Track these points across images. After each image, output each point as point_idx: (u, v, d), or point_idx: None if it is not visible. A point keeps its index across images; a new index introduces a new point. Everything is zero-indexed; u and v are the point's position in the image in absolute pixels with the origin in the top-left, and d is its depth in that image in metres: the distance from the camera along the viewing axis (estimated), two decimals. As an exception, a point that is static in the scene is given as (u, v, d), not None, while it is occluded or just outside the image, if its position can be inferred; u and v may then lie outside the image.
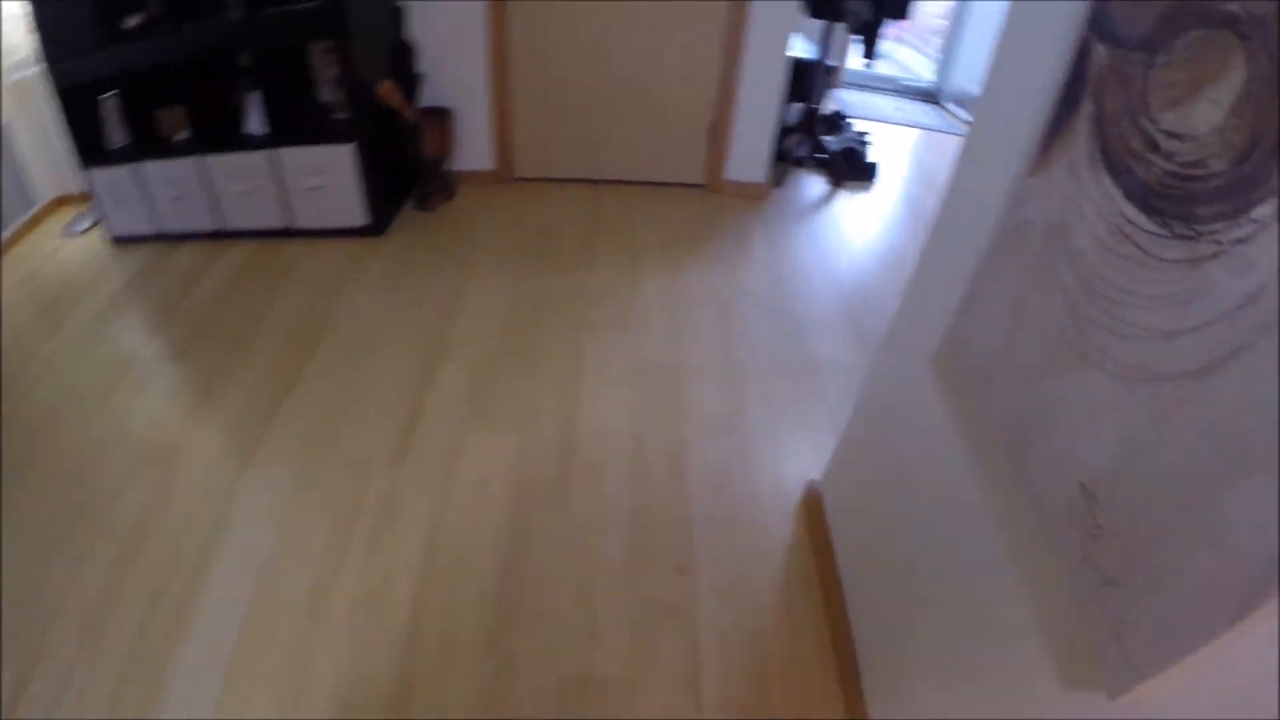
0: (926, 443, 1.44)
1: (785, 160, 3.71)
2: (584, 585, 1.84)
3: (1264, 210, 0.61)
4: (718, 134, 3.39)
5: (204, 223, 2.93)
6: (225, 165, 2.79)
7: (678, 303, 2.80)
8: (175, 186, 2.84)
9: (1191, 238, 0.70)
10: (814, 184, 3.75)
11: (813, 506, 2.02)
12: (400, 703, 1.59)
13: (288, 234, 2.97)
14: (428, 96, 3.14)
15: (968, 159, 1.37)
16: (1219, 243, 0.66)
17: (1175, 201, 0.72)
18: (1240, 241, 0.64)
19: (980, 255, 1.22)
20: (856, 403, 1.86)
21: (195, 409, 2.24)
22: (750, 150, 3.45)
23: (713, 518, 2.02)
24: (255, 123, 2.82)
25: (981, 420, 1.23)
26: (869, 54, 3.52)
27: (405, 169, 3.21)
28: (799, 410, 2.38)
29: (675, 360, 2.53)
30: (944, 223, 1.47)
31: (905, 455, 1.55)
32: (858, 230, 3.44)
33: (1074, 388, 0.92)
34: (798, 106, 3.74)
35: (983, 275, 1.19)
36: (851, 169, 3.78)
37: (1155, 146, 0.74)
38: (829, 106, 4.24)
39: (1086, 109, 0.87)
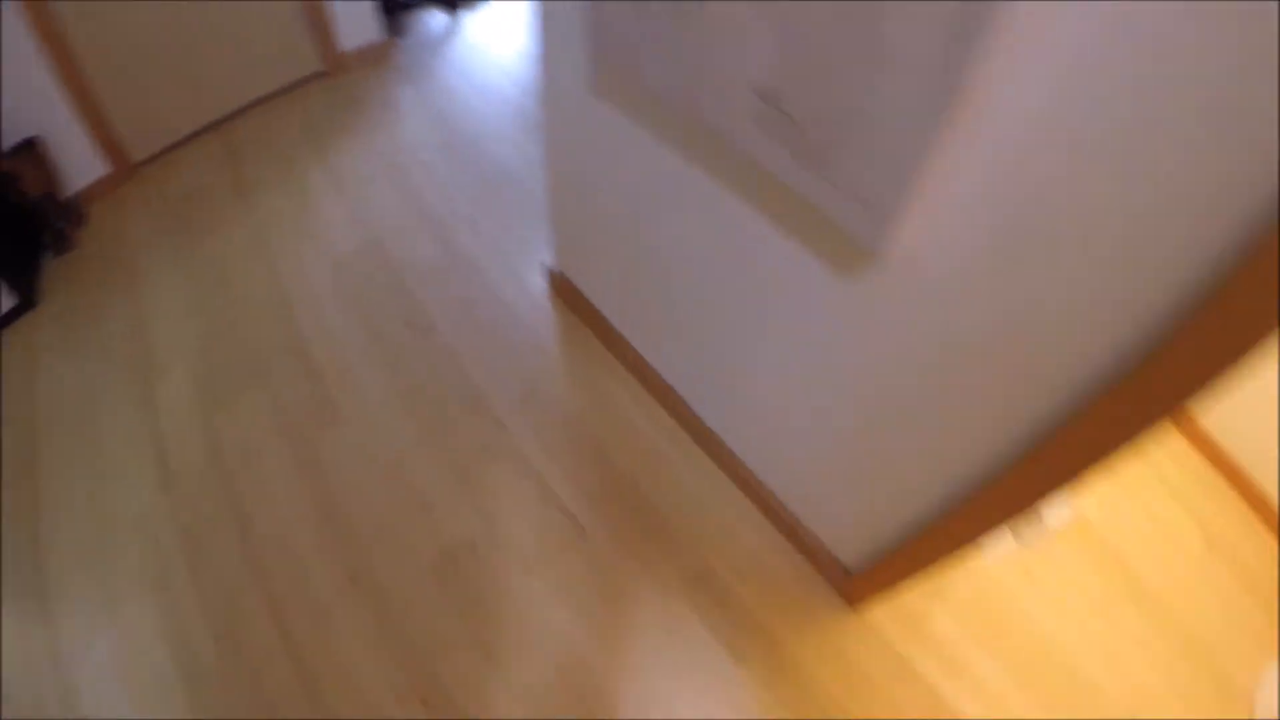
0: (624, 159, 1.43)
1: (396, 9, 3.44)
2: (397, 476, 1.75)
3: None
4: (313, 12, 3.05)
5: None
6: None
7: (350, 188, 2.58)
8: None
9: None
10: (435, 18, 3.52)
11: (562, 286, 1.99)
12: (313, 693, 1.48)
13: (-56, 357, 2.41)
14: (5, 135, 2.57)
15: None
16: None
17: None
18: None
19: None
20: (547, 166, 1.79)
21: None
22: (354, 14, 3.14)
23: (480, 352, 1.95)
24: None
25: (652, 103, 1.22)
26: None
27: (21, 223, 2.64)
28: (511, 219, 2.32)
29: (371, 235, 2.35)
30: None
31: (614, 184, 1.54)
32: (495, 41, 3.30)
33: (711, 21, 0.93)
34: (380, -50, 3.44)
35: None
36: (465, -10, 3.58)
37: None
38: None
39: None
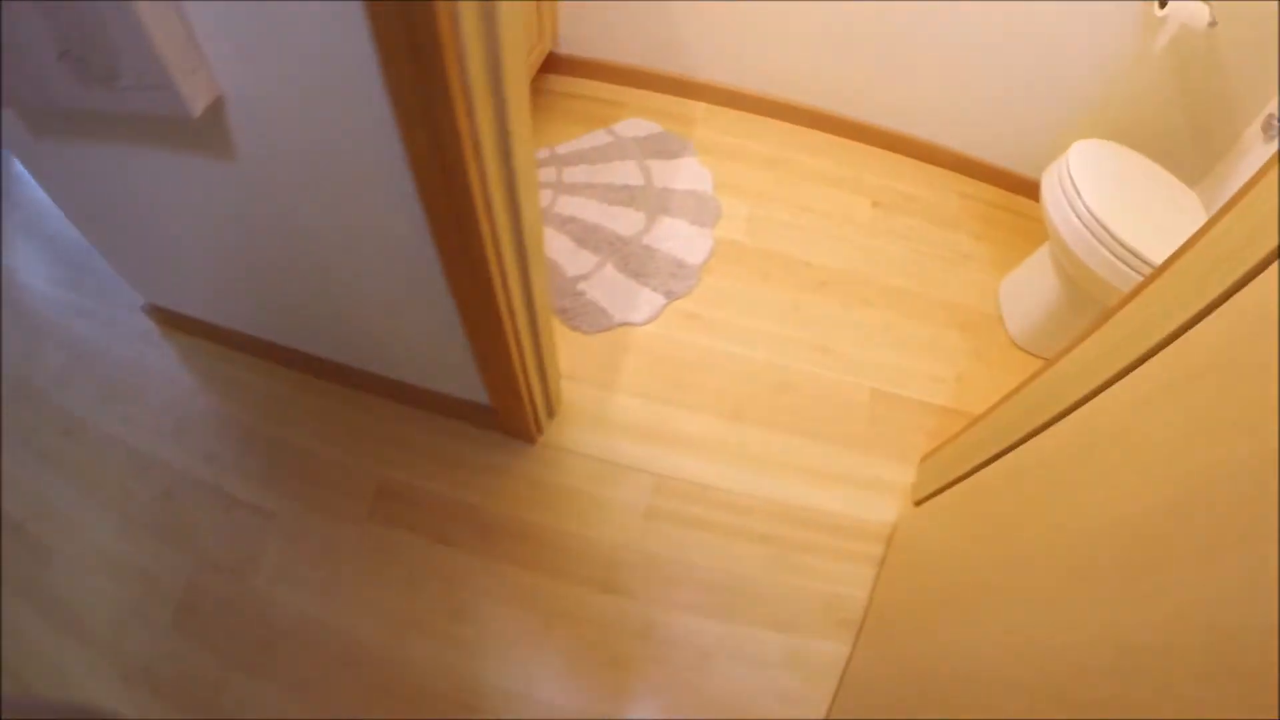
0: (80, 176, 1.40)
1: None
2: (112, 569, 1.74)
3: None
4: None
5: None
6: None
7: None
8: None
9: None
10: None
11: (160, 315, 1.98)
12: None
13: None
14: None
15: None
16: None
17: None
18: None
19: None
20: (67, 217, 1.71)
21: None
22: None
23: (127, 416, 1.94)
24: None
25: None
26: None
27: None
28: (105, 284, 2.22)
29: (10, 379, 2.25)
30: None
31: (103, 199, 1.48)
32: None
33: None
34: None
35: None
36: None
37: None
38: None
39: None
